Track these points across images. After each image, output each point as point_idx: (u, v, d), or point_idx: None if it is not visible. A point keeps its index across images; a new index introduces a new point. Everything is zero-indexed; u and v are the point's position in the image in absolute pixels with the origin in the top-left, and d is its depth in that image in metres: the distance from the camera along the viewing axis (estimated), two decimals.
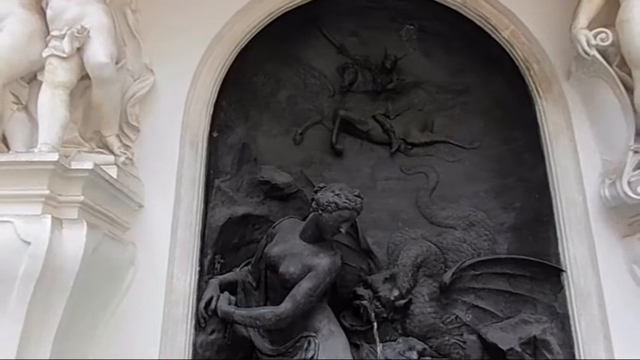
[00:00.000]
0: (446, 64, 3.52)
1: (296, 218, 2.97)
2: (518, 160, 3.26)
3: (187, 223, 2.92)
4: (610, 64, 2.81)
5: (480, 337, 2.99)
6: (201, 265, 2.94)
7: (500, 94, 3.36)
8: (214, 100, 3.17)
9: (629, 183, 2.65)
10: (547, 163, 3.08)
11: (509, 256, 3.10)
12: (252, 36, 3.24)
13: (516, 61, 3.24)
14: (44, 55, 2.52)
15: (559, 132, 3.07)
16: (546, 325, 2.89)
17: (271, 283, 2.81)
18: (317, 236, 2.74)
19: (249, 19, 3.19)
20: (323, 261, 2.66)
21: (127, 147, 2.85)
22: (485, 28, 3.28)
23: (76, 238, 2.27)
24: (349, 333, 2.83)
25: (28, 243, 2.16)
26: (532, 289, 2.99)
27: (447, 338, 3.02)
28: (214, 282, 2.84)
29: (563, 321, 2.88)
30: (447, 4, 3.29)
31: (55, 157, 2.24)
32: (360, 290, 2.95)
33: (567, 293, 2.88)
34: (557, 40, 3.07)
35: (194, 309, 2.81)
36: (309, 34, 3.49)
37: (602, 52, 2.81)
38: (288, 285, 2.65)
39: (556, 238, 2.98)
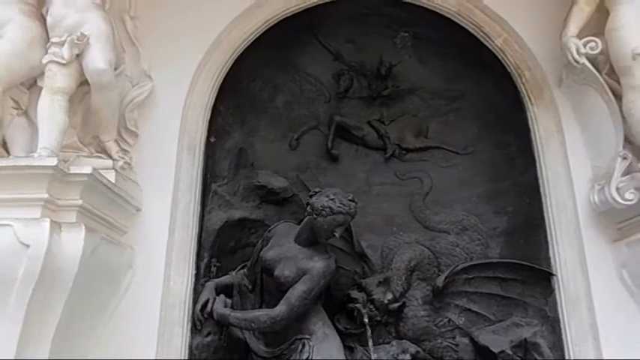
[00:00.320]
0: (440, 71, 3.57)
1: (291, 222, 3.01)
2: (510, 165, 3.31)
3: (184, 226, 2.94)
4: (599, 71, 2.86)
5: (472, 339, 3.03)
6: (197, 268, 2.96)
7: (493, 101, 3.41)
8: (212, 105, 3.20)
9: (617, 189, 2.69)
10: (538, 168, 3.13)
11: (501, 260, 3.15)
12: (249, 43, 3.27)
13: (508, 68, 3.28)
14: (44, 61, 2.55)
15: (550, 137, 3.12)
16: (537, 328, 2.93)
17: (267, 286, 2.85)
18: (312, 240, 2.78)
19: (245, 27, 3.23)
20: (317, 264, 2.69)
21: (125, 152, 2.88)
22: (479, 36, 3.32)
23: (74, 242, 2.29)
24: (343, 336, 2.86)
25: (28, 246, 2.18)
26: (523, 293, 3.02)
27: (439, 341, 3.05)
28: (210, 285, 2.87)
29: (553, 324, 2.92)
30: (441, 12, 3.33)
31: (54, 161, 2.26)
32: (354, 293, 2.98)
33: (557, 297, 2.92)
34: (549, 48, 3.13)
35: (190, 311, 2.83)
36: (306, 41, 3.54)
37: (591, 60, 2.86)
38: (283, 288, 2.69)
39: (546, 242, 3.02)
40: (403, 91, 3.60)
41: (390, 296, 3.01)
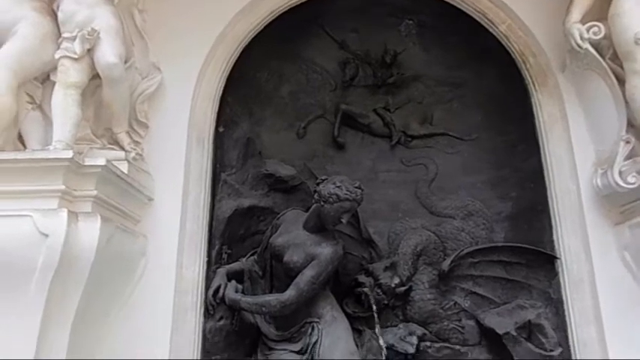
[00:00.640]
0: (444, 58, 3.58)
1: (299, 210, 3.07)
2: (514, 151, 3.33)
3: (195, 215, 3.01)
4: (603, 56, 2.87)
5: (477, 322, 3.08)
6: (209, 255, 3.03)
7: (497, 87, 3.43)
8: (220, 96, 3.25)
9: (620, 172, 2.71)
10: (542, 153, 3.15)
11: (505, 244, 3.18)
12: (255, 34, 3.31)
13: (513, 55, 3.31)
14: (56, 56, 2.60)
15: (554, 123, 3.14)
16: (541, 310, 2.98)
17: (276, 272, 2.92)
18: (319, 227, 2.84)
19: (251, 18, 3.27)
20: (325, 250, 2.76)
21: (136, 143, 2.93)
22: (483, 22, 3.34)
23: (90, 231, 2.36)
24: (351, 319, 2.92)
25: (46, 235, 2.25)
26: (527, 276, 3.07)
27: (446, 323, 3.10)
28: (222, 271, 2.95)
29: (557, 306, 2.97)
30: None
31: (69, 154, 2.33)
32: (362, 278, 3.04)
33: (561, 279, 2.97)
34: (553, 34, 3.13)
35: (203, 297, 2.91)
36: (311, 31, 3.56)
37: (595, 45, 2.88)
38: (292, 273, 2.76)
39: (550, 227, 3.05)
40: (408, 79, 3.61)
41: (396, 280, 3.07)
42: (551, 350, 2.88)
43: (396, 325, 3.09)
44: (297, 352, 2.76)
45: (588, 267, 2.87)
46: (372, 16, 3.57)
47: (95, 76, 2.74)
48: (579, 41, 2.87)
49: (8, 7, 2.64)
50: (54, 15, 2.74)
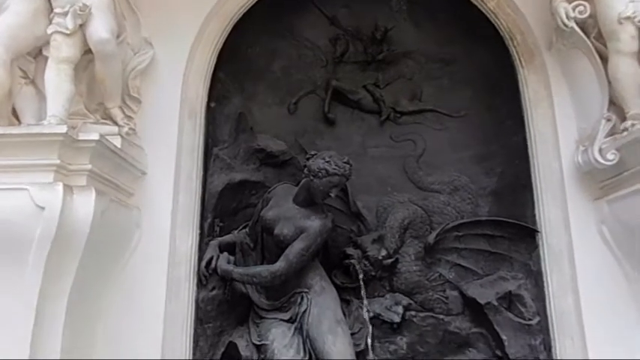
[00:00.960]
0: (434, 35, 3.58)
1: (290, 184, 3.13)
2: (501, 128, 3.37)
3: (188, 189, 3.07)
4: (588, 35, 2.91)
5: (461, 292, 3.16)
6: (201, 228, 3.10)
7: (486, 65, 3.45)
8: (211, 71, 3.27)
9: (600, 149, 2.77)
10: (527, 130, 3.20)
11: (489, 219, 3.25)
12: (247, 9, 3.32)
13: (501, 32, 3.33)
14: (49, 31, 2.61)
15: (539, 100, 3.18)
16: (521, 281, 3.08)
17: (267, 244, 2.99)
18: (309, 201, 2.91)
19: None
20: (314, 223, 2.84)
21: (129, 118, 2.96)
22: None
23: (85, 204, 2.42)
24: (340, 290, 3.02)
25: (43, 208, 2.31)
26: (509, 249, 3.15)
27: (430, 294, 3.19)
28: (214, 243, 3.04)
29: (536, 277, 3.06)
30: None
31: (63, 129, 2.37)
32: (350, 250, 3.12)
33: (541, 252, 3.06)
34: (540, 12, 3.15)
35: (196, 268, 3.00)
36: (302, 6, 3.55)
37: (580, 24, 2.90)
38: (283, 245, 2.84)
39: (532, 202, 3.13)
40: (398, 55, 3.61)
41: (384, 253, 3.14)
42: (530, 319, 3.00)
43: (382, 296, 3.18)
44: (287, 321, 2.87)
45: (567, 240, 2.95)
46: None
47: (88, 51, 2.75)
48: (565, 20, 2.90)
49: None
50: None
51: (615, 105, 2.83)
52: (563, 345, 2.90)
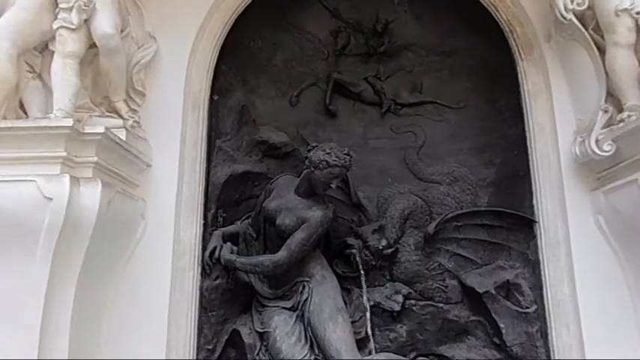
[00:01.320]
0: (435, 27, 3.60)
1: (292, 175, 3.18)
2: (500, 120, 3.40)
3: (192, 180, 3.11)
4: (586, 27, 2.92)
5: (460, 281, 3.21)
6: (205, 218, 3.15)
7: (485, 57, 3.48)
8: (214, 64, 3.30)
9: (597, 140, 2.79)
10: (526, 121, 3.23)
11: (488, 209, 3.30)
12: (249, 3, 3.34)
13: (501, 24, 3.34)
14: (54, 26, 2.65)
15: (538, 92, 3.21)
16: (519, 270, 3.13)
17: (269, 234, 3.05)
18: (310, 192, 2.96)
19: None
20: (315, 214, 2.90)
21: (134, 111, 3.00)
22: None
23: (92, 195, 2.47)
24: (341, 279, 3.08)
25: (50, 199, 2.36)
26: (508, 239, 3.20)
27: (430, 283, 3.24)
28: (218, 233, 3.10)
29: (534, 266, 3.11)
30: None
31: (70, 122, 2.42)
32: (351, 240, 3.17)
33: (539, 242, 3.10)
34: (540, 4, 3.16)
35: (200, 258, 3.05)
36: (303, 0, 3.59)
37: (578, 16, 2.91)
38: (284, 235, 2.90)
39: (531, 192, 3.16)
40: (399, 48, 3.64)
41: (384, 243, 3.19)
42: (527, 307, 3.05)
43: (383, 285, 3.24)
44: (289, 309, 2.94)
45: (564, 230, 2.99)
46: None
47: (93, 45, 2.79)
48: (563, 12, 2.91)
49: None
50: None
51: (612, 96, 2.86)
52: (559, 332, 2.94)
